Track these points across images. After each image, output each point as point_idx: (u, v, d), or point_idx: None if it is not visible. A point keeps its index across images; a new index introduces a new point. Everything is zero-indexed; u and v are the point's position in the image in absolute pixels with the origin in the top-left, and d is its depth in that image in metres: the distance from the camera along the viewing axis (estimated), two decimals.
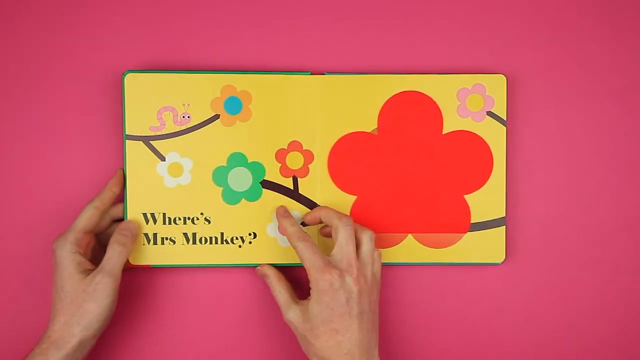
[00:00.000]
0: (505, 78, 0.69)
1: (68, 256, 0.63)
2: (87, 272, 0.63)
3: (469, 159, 0.69)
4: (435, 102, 0.69)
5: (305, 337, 0.63)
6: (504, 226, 0.69)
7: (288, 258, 0.69)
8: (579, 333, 0.71)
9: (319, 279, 0.62)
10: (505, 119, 0.69)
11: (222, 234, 0.68)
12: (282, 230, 0.68)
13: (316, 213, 0.68)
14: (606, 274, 0.71)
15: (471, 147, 0.69)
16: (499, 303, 0.71)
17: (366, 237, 0.65)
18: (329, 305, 0.62)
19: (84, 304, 0.62)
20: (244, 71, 0.69)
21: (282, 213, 0.68)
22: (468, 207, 0.69)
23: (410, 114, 0.69)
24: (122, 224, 0.67)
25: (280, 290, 0.66)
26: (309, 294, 0.63)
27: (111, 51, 0.69)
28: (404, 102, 0.69)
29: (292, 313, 0.64)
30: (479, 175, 0.69)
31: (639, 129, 0.71)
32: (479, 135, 0.69)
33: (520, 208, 0.71)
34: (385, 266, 0.69)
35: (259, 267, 0.68)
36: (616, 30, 0.71)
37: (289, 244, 0.68)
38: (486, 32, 0.71)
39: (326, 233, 0.69)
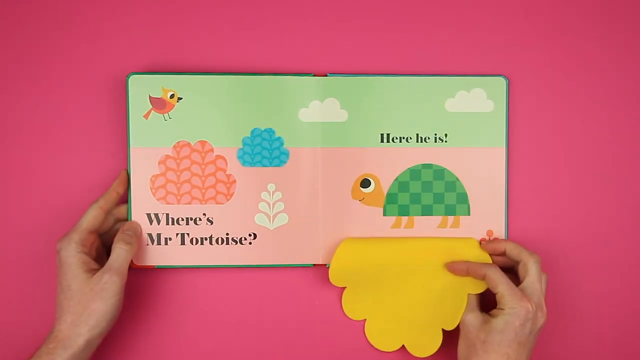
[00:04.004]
0: (505, 80, 0.69)
1: (73, 256, 0.63)
2: (93, 272, 0.63)
3: None
4: None
5: (474, 344, 0.64)
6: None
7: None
8: (580, 333, 0.72)
9: (517, 304, 0.63)
10: (505, 120, 0.69)
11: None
12: (459, 271, 0.68)
13: (499, 244, 0.68)
14: (607, 273, 0.72)
15: None
16: None
17: (543, 278, 0.65)
18: (515, 330, 0.62)
19: (91, 303, 0.62)
20: (246, 73, 0.69)
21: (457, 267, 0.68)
22: None
23: None
24: (126, 225, 0.67)
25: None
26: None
27: (115, 53, 0.70)
28: None
29: (473, 317, 0.65)
30: None
31: (639, 129, 0.71)
32: None
33: (520, 208, 0.71)
34: None
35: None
36: (616, 30, 0.71)
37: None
38: (486, 33, 0.71)
39: (503, 262, 0.68)
